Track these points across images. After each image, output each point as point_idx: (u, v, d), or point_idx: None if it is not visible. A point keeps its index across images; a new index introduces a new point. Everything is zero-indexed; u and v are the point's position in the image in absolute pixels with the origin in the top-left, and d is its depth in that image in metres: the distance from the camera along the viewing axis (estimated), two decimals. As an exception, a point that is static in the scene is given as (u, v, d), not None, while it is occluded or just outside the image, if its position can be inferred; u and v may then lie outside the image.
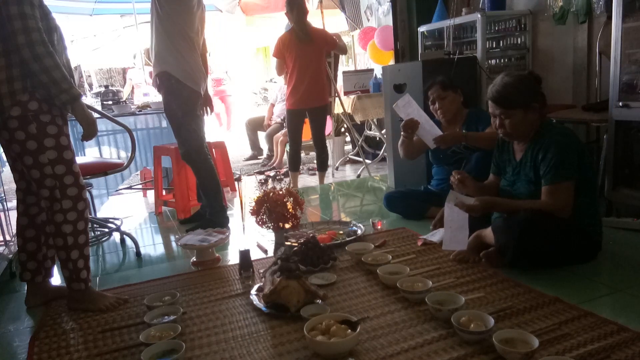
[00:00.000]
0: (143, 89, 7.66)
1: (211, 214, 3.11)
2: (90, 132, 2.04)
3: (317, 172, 4.49)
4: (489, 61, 3.73)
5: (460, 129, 2.88)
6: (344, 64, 7.85)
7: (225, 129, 9.19)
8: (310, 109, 4.09)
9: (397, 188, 3.80)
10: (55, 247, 2.05)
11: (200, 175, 3.13)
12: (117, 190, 4.46)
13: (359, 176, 4.80)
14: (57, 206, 1.97)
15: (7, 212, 2.99)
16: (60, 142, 1.97)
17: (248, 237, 2.97)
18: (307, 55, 3.93)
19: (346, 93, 5.22)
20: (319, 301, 1.87)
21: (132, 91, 8.20)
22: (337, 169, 5.28)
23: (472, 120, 2.88)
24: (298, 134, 4.22)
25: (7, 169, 2.36)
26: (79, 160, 3.10)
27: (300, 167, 5.34)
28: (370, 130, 5.57)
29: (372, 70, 5.65)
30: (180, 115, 2.98)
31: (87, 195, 2.14)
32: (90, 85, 10.25)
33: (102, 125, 3.90)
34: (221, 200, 3.18)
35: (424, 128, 2.76)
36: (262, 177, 5.11)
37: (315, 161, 5.76)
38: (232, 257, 2.65)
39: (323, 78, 4.06)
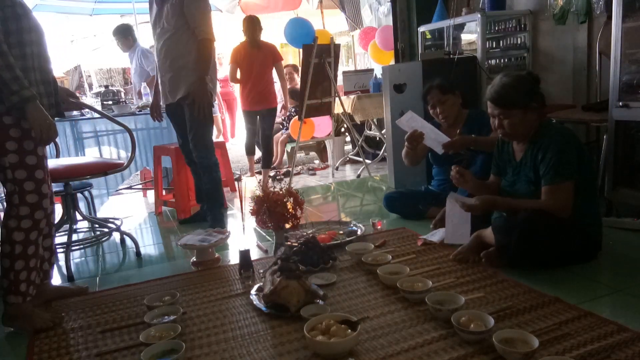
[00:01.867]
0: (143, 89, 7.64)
1: (213, 219, 3.11)
2: (44, 138, 1.88)
3: (261, 170, 4.84)
4: (489, 61, 3.73)
5: (461, 130, 2.87)
6: (344, 64, 7.86)
7: (228, 136, 8.62)
8: (260, 110, 4.61)
9: (397, 188, 3.81)
10: (1, 254, 1.93)
11: (213, 182, 3.11)
12: (117, 190, 4.46)
13: (359, 176, 4.79)
14: (14, 211, 1.89)
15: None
16: (24, 146, 1.87)
17: (248, 237, 2.97)
18: (256, 62, 4.49)
19: (346, 93, 5.22)
20: (319, 301, 1.87)
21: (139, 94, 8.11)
22: (337, 169, 5.27)
23: (473, 122, 2.87)
24: (252, 130, 4.84)
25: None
26: (79, 160, 3.11)
27: (301, 167, 5.37)
28: (370, 130, 5.57)
29: (372, 70, 5.65)
30: (207, 120, 2.99)
31: (50, 205, 2.00)
32: (90, 85, 10.25)
33: (102, 125, 3.91)
34: (223, 205, 3.19)
35: (430, 137, 2.76)
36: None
37: (314, 161, 5.76)
38: (232, 257, 2.65)
39: (270, 84, 4.63)
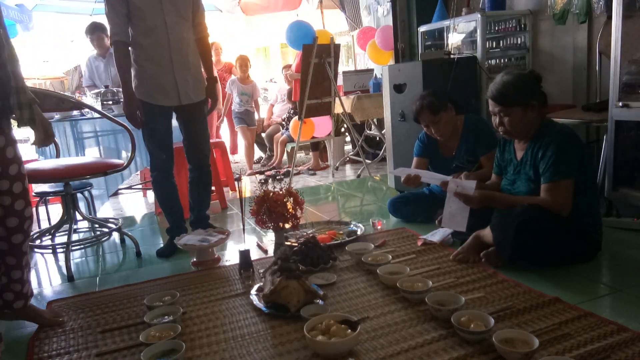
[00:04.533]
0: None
1: (207, 223, 3.01)
2: None
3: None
4: (489, 61, 3.73)
5: (459, 140, 2.85)
6: (344, 64, 7.85)
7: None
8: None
9: (397, 188, 3.80)
10: None
11: (211, 182, 3.06)
12: (117, 190, 4.46)
13: (359, 176, 4.79)
14: None
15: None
16: None
17: (248, 237, 2.97)
18: None
19: (346, 93, 5.22)
20: (319, 301, 1.87)
21: None
22: (337, 169, 5.28)
23: (468, 132, 2.82)
24: None
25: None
26: (79, 160, 3.11)
27: (301, 167, 5.38)
28: (370, 130, 5.57)
29: (372, 70, 5.65)
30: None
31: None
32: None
33: (102, 125, 3.90)
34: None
35: (426, 177, 2.71)
36: (262, 177, 5.11)
37: (311, 164, 5.75)
38: (232, 257, 2.65)
39: None
